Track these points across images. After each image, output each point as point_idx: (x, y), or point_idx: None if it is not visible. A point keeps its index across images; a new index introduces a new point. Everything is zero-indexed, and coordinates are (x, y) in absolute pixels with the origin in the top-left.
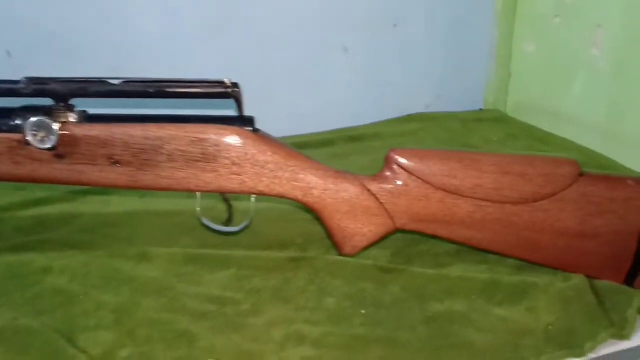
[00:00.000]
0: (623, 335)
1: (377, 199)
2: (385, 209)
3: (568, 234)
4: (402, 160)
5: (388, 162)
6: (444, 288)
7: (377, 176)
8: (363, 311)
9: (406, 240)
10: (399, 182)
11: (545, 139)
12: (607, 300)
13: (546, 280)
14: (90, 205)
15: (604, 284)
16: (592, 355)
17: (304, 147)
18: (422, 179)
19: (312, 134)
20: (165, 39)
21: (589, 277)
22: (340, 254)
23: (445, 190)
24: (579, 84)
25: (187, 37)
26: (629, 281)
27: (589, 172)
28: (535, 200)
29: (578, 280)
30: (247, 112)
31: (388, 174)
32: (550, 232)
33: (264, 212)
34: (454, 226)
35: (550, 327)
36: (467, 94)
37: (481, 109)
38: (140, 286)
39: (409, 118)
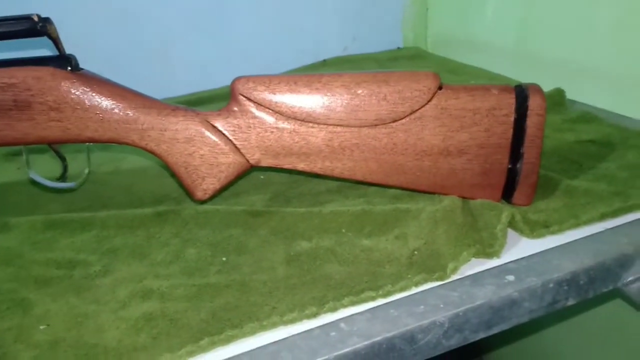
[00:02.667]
0: (490, 253)
1: (224, 135)
2: (235, 146)
3: (433, 153)
4: (247, 90)
5: (233, 93)
6: (314, 225)
7: (223, 110)
8: (224, 258)
9: (287, 182)
10: (247, 115)
11: (457, 69)
12: (480, 219)
13: (420, 206)
14: None
15: (478, 203)
16: (456, 277)
17: (212, 101)
18: (270, 109)
19: (221, 88)
20: None
21: (464, 197)
22: (193, 200)
23: (296, 119)
24: (490, 8)
25: None
26: (507, 197)
27: (449, 85)
28: (394, 120)
29: (448, 201)
30: (148, 69)
31: (234, 107)
32: (413, 153)
33: (144, 170)
34: (312, 157)
35: (415, 253)
36: (385, 33)
37: (399, 47)
38: None
39: (324, 63)
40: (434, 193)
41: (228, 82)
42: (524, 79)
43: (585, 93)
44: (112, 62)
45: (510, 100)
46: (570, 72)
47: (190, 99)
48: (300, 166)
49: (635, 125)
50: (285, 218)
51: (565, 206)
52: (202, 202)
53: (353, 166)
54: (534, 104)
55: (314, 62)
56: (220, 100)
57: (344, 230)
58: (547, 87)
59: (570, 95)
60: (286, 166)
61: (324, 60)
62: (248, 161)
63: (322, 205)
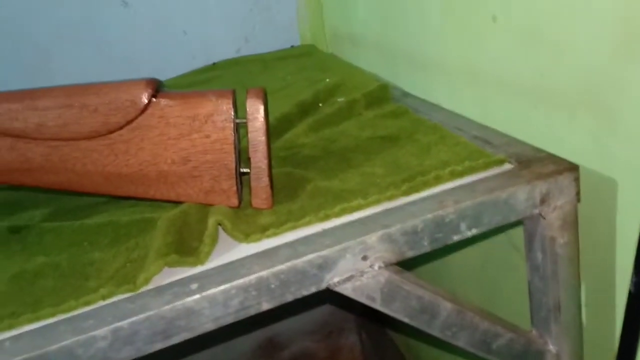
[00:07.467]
0: (190, 262)
1: None
2: None
3: (157, 163)
4: None
5: None
6: (62, 239)
7: None
8: None
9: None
10: None
11: (330, 67)
12: (198, 227)
13: (161, 215)
14: None
15: (212, 209)
16: (149, 287)
17: None
18: None
19: None
20: None
21: (202, 203)
22: None
23: (12, 136)
24: (361, 3)
25: None
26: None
27: (167, 92)
28: (110, 132)
29: (177, 209)
30: None
31: None
32: (136, 163)
33: None
34: (36, 173)
35: (127, 265)
36: (279, 33)
37: (293, 46)
38: None
39: (214, 67)
40: (173, 202)
41: None
42: (389, 73)
43: (429, 85)
44: None
45: (228, 106)
46: (421, 65)
47: None
48: (28, 181)
49: (440, 118)
50: (41, 233)
51: (300, 208)
52: None
53: (79, 180)
54: (252, 108)
55: (205, 66)
56: None
57: (85, 244)
58: (402, 80)
59: (416, 89)
60: (13, 182)
61: (214, 64)
62: None
63: (89, 218)
